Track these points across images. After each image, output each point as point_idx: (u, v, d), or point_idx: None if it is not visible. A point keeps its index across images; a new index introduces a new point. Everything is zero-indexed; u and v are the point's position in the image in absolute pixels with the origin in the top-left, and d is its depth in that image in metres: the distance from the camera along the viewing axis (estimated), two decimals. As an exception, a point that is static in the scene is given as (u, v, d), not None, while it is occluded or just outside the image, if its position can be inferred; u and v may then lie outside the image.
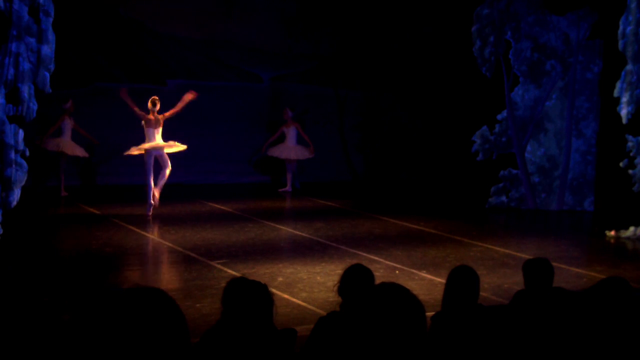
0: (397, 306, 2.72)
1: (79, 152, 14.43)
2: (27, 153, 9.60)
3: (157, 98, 12.45)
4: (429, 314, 4.28)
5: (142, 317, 2.18)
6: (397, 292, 2.79)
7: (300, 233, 11.52)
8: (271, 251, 10.28)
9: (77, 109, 14.51)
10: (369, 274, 4.80)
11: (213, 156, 16.46)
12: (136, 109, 12.29)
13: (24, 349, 3.94)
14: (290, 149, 15.71)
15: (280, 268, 9.18)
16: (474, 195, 14.64)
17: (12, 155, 9.35)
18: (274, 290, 7.69)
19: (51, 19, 9.59)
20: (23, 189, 9.69)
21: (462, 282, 4.78)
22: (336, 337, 4.32)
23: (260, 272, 8.88)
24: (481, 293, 4.90)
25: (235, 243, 10.63)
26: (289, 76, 17.48)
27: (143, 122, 12.30)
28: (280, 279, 8.67)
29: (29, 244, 10.21)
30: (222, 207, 13.63)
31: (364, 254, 9.92)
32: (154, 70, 16.45)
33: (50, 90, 9.77)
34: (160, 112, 12.38)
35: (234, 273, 8.70)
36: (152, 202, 12.37)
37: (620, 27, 12.13)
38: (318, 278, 8.72)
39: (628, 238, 11.66)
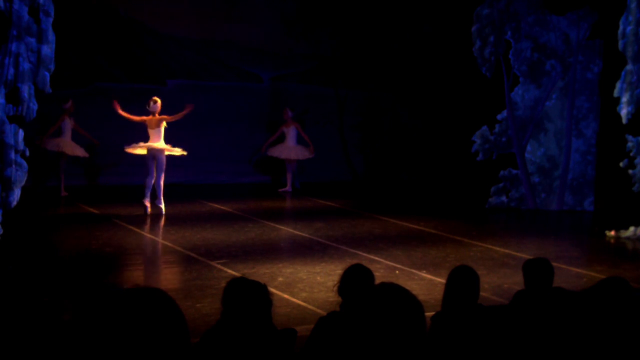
0: (396, 306, 2.72)
1: (79, 152, 14.43)
2: (27, 153, 9.60)
3: (157, 98, 12.45)
4: (429, 314, 4.28)
5: (142, 317, 2.18)
6: (396, 292, 2.79)
7: (300, 233, 11.52)
8: (271, 251, 10.28)
9: (77, 109, 14.51)
10: (369, 274, 4.80)
11: (213, 156, 16.46)
12: (134, 118, 12.31)
13: (24, 349, 3.94)
14: (290, 149, 15.71)
15: (280, 268, 9.18)
16: (474, 195, 14.64)
17: (12, 155, 9.35)
18: (274, 290, 7.70)
19: (51, 19, 9.59)
20: (23, 189, 9.68)
21: (462, 282, 4.78)
22: (336, 337, 4.32)
23: (260, 272, 8.88)
24: (481, 293, 4.90)
25: (235, 243, 10.63)
26: (289, 76, 17.48)
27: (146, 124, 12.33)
28: (280, 279, 8.67)
29: (29, 244, 10.21)
30: (222, 207, 13.63)
31: (364, 254, 9.92)
32: (154, 70, 16.45)
33: (50, 90, 9.76)
34: (160, 112, 12.39)
35: (234, 273, 8.70)
36: (147, 203, 12.37)
37: (620, 27, 12.13)
38: (318, 278, 8.72)
39: (628, 238, 11.66)
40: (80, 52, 15.51)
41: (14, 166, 9.37)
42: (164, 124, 12.37)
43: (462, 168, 15.78)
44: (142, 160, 12.64)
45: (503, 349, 4.60)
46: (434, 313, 4.78)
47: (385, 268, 9.25)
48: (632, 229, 11.73)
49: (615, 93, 12.18)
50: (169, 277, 9.12)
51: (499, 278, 8.86)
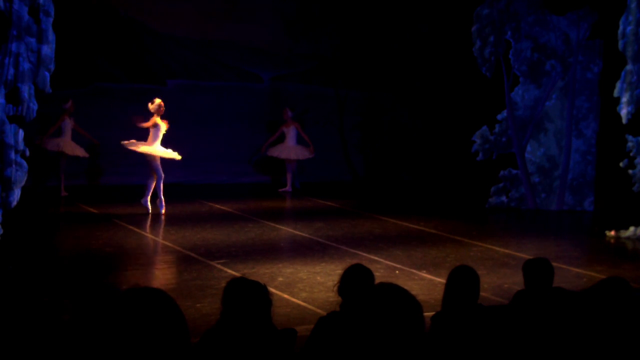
0: (395, 306, 2.73)
1: (79, 152, 14.43)
2: (27, 153, 9.60)
3: (161, 101, 12.38)
4: (429, 314, 4.29)
5: (142, 317, 2.18)
6: (394, 292, 2.79)
7: (300, 233, 11.52)
8: (271, 251, 10.28)
9: (77, 109, 14.51)
10: (369, 274, 4.80)
11: (213, 156, 16.46)
12: (144, 125, 12.30)
13: (24, 349, 3.94)
14: (290, 149, 15.71)
15: (280, 268, 9.18)
16: (474, 195, 14.64)
17: (12, 155, 9.35)
18: (273, 290, 7.71)
19: (51, 19, 9.59)
20: (23, 189, 9.68)
21: (462, 282, 4.78)
22: (336, 337, 4.33)
23: (260, 272, 8.88)
24: (481, 293, 4.90)
25: (235, 243, 10.63)
26: (289, 76, 17.48)
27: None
28: (280, 279, 8.67)
29: (29, 244, 10.21)
30: (222, 207, 13.63)
31: (364, 254, 9.93)
32: (154, 70, 16.45)
33: (50, 90, 9.76)
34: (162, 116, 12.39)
35: (234, 273, 8.70)
36: (148, 205, 12.39)
37: (620, 27, 12.13)
38: (318, 278, 8.72)
39: (628, 238, 11.66)
40: (80, 52, 15.51)
41: (14, 166, 9.36)
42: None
43: (462, 168, 15.78)
44: (143, 160, 12.59)
45: (503, 349, 4.60)
46: (434, 313, 4.78)
47: (385, 268, 9.25)
48: (632, 229, 11.73)
49: (615, 93, 12.18)
50: (169, 277, 9.12)
51: (499, 278, 8.86)
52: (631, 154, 12.16)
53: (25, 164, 9.52)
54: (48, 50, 9.55)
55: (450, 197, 15.30)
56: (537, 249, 10.55)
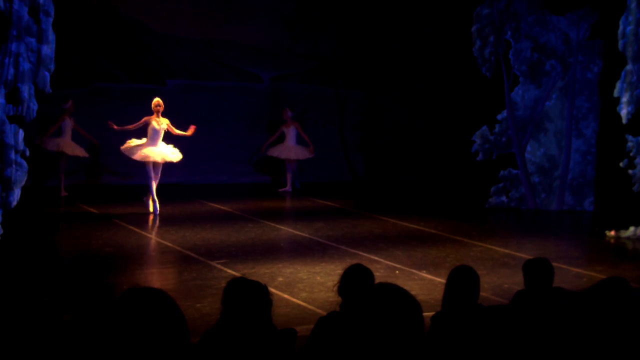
0: (395, 306, 2.73)
1: (79, 152, 14.43)
2: (27, 153, 9.60)
3: (161, 102, 12.37)
4: (429, 314, 4.29)
5: (142, 317, 2.18)
6: (394, 292, 2.79)
7: (300, 233, 11.52)
8: (271, 251, 10.28)
9: (77, 109, 14.51)
10: (369, 274, 4.80)
11: (213, 156, 16.46)
12: (133, 126, 12.29)
13: (24, 349, 3.94)
14: (290, 149, 15.71)
15: (280, 268, 9.18)
16: (474, 195, 14.64)
17: (12, 155, 9.35)
18: (273, 290, 7.71)
19: (51, 19, 9.59)
20: (23, 189, 9.68)
21: (462, 282, 4.78)
22: (336, 337, 4.33)
23: (260, 272, 8.88)
24: (481, 293, 4.90)
25: (235, 243, 10.63)
26: (289, 76, 17.48)
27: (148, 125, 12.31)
28: (280, 279, 8.67)
29: (29, 244, 10.21)
30: (222, 207, 13.63)
31: (364, 254, 9.93)
32: (154, 70, 16.46)
33: (50, 90, 9.77)
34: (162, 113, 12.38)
35: (234, 273, 8.70)
36: (150, 203, 12.41)
37: (620, 27, 12.13)
38: (318, 278, 8.72)
39: (628, 238, 11.66)
40: (80, 52, 15.51)
41: (14, 166, 9.37)
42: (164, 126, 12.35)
43: (462, 168, 15.78)
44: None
45: (503, 349, 4.60)
46: (434, 313, 4.78)
47: (385, 268, 9.25)
48: (632, 229, 11.73)
49: (615, 93, 12.18)
50: (169, 277, 9.12)
51: (499, 278, 8.86)
52: (631, 154, 12.16)
53: (25, 164, 9.52)
54: (48, 50, 9.56)
55: (450, 197, 15.30)
56: (537, 249, 10.55)
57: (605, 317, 3.75)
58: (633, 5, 12.01)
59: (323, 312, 5.58)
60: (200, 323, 6.32)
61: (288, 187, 15.75)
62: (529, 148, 14.26)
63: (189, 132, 12.46)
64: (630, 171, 12.16)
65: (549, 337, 4.43)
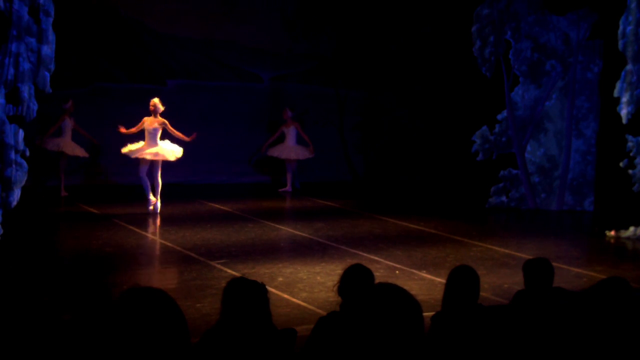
0: (395, 306, 2.73)
1: (79, 152, 14.43)
2: (27, 153, 9.60)
3: (156, 102, 12.37)
4: (429, 314, 4.29)
5: (142, 317, 2.18)
6: (394, 292, 2.79)
7: (300, 233, 11.52)
8: (271, 251, 10.28)
9: (77, 109, 14.51)
10: (369, 274, 4.80)
11: (213, 156, 16.46)
12: (136, 129, 12.31)
13: (24, 348, 3.94)
14: (290, 149, 15.71)
15: (280, 268, 9.18)
16: (474, 195, 14.64)
17: (12, 155, 9.35)
18: (274, 290, 7.71)
19: (51, 19, 9.59)
20: (23, 189, 9.68)
21: (462, 282, 4.78)
22: (336, 337, 4.33)
23: (260, 272, 8.88)
24: (481, 293, 4.90)
25: (235, 243, 10.63)
26: (289, 76, 17.48)
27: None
28: (280, 279, 8.67)
29: (29, 244, 10.21)
30: (222, 207, 13.63)
31: (364, 254, 9.93)
32: (154, 70, 16.46)
33: (50, 90, 9.76)
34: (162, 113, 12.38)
35: (234, 273, 8.70)
36: (151, 198, 12.41)
37: (620, 27, 12.13)
38: (318, 278, 8.72)
39: (628, 238, 11.66)
40: (80, 52, 15.51)
41: (14, 166, 9.37)
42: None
43: (462, 168, 15.78)
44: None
45: (503, 349, 4.60)
46: (434, 313, 4.78)
47: (385, 268, 9.25)
48: (632, 229, 11.73)
49: (615, 93, 12.18)
50: (169, 277, 9.12)
51: (499, 278, 8.86)
52: (631, 154, 12.16)
53: (25, 164, 9.52)
54: (48, 50, 9.56)
55: (450, 197, 15.30)
56: (537, 249, 10.54)
57: (605, 317, 3.75)
58: (633, 5, 12.01)
59: (323, 312, 5.58)
60: (200, 323, 6.32)
61: (288, 187, 15.75)
62: (529, 148, 14.26)
63: (189, 138, 12.46)
64: (630, 171, 12.16)
65: (549, 337, 4.43)
